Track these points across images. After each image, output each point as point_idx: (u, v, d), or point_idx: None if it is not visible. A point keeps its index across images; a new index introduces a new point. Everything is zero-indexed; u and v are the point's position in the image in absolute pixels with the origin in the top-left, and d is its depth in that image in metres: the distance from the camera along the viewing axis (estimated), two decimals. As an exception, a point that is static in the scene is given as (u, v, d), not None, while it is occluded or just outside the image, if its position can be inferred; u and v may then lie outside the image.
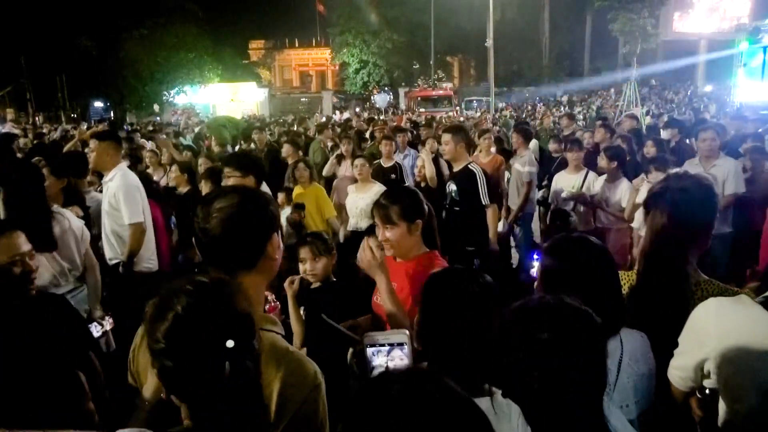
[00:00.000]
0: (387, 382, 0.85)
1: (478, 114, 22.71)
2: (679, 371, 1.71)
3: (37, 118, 28.27)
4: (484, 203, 4.56)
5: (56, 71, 29.34)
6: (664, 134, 7.99)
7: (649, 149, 5.95)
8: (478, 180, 4.55)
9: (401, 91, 36.18)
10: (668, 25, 31.26)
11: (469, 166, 4.63)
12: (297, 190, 5.58)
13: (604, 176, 5.35)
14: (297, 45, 47.21)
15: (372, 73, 37.72)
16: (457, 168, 4.73)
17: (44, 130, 15.32)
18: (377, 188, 5.08)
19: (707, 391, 1.65)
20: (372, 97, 36.99)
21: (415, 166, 7.14)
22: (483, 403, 1.46)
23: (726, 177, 4.92)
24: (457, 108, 29.03)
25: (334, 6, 37.29)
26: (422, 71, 37.62)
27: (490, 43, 26.08)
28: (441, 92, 31.98)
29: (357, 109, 30.53)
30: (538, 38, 37.77)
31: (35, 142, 10.37)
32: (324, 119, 19.69)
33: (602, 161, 5.41)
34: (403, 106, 32.78)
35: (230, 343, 1.06)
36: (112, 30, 28.35)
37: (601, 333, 1.22)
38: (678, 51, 33.07)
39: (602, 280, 1.70)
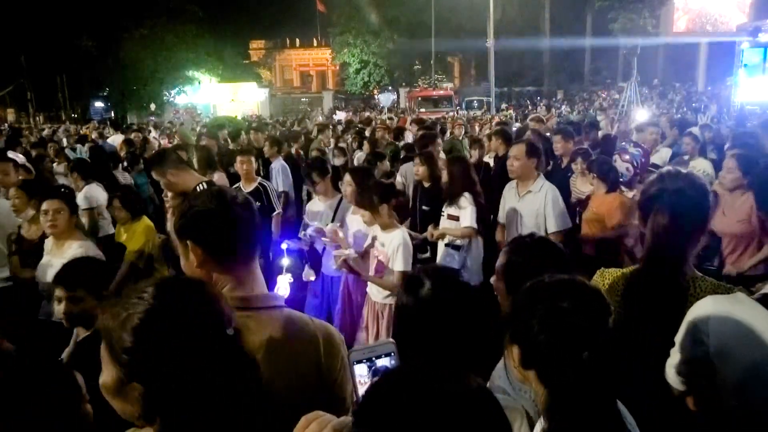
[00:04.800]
0: (401, 381, 0.81)
1: (479, 114, 22.68)
2: (676, 369, 1.70)
3: (37, 118, 28.32)
4: (276, 212, 5.21)
5: (56, 71, 29.43)
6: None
7: None
8: (270, 193, 5.20)
9: (402, 91, 36.19)
10: (668, 25, 31.19)
11: (257, 186, 5.23)
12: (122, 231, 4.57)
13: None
14: (297, 45, 47.21)
15: (372, 73, 37.73)
16: (250, 188, 5.15)
17: (44, 129, 15.36)
18: (75, 249, 3.22)
19: (702, 390, 1.64)
20: (376, 96, 36.95)
21: (282, 181, 6.29)
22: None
23: (544, 209, 3.81)
24: (459, 108, 29.02)
25: (334, 6, 37.28)
26: (423, 71, 37.59)
27: (490, 43, 26.07)
28: (441, 92, 31.96)
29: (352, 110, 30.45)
30: (538, 38, 37.73)
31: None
32: (323, 119, 19.64)
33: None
34: (403, 106, 32.77)
35: (230, 331, 1.07)
36: (113, 30, 28.39)
37: (610, 312, 1.22)
38: (678, 51, 33.04)
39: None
